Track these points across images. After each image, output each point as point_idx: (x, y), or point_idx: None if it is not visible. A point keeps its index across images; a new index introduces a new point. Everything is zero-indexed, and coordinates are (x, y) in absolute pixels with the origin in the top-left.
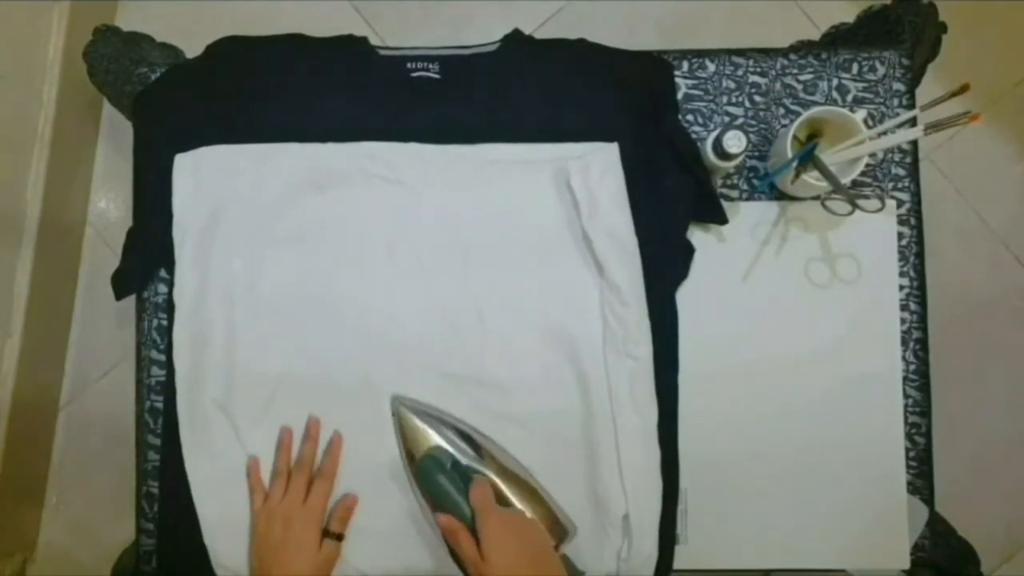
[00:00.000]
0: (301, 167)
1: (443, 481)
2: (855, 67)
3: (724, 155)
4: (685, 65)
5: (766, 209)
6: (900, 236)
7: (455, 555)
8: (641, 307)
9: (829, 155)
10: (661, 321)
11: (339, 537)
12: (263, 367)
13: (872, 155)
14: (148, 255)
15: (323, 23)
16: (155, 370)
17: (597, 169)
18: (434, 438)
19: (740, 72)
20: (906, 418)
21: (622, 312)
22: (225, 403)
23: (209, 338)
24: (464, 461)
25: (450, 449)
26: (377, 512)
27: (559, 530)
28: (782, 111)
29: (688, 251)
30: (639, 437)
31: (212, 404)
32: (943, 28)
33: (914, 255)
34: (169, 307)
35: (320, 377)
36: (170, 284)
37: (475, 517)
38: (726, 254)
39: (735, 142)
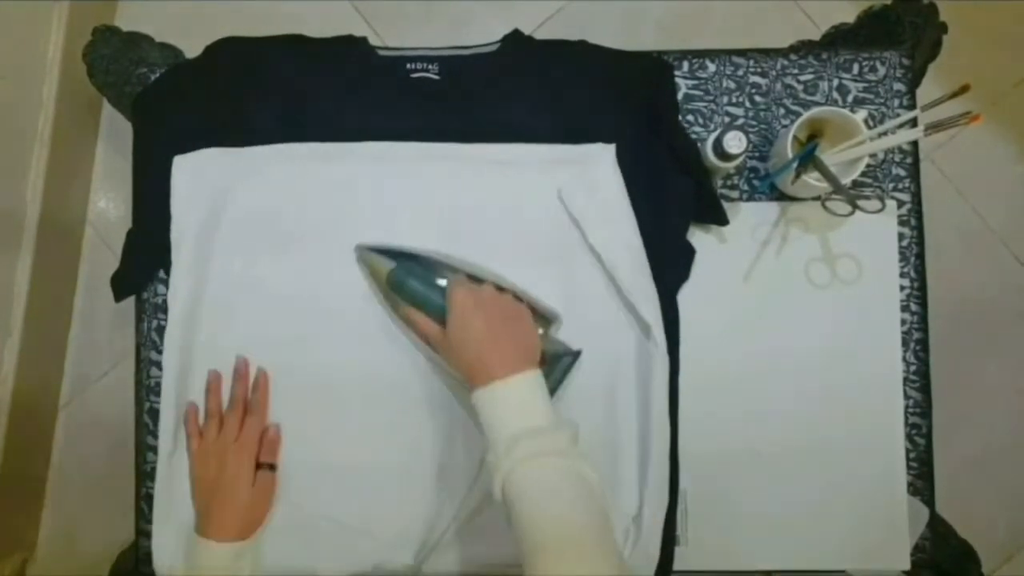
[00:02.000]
0: (300, 168)
1: (416, 284)
2: (856, 67)
3: (724, 156)
4: (685, 65)
5: (766, 210)
6: (901, 237)
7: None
8: (655, 308)
9: (829, 155)
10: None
11: (272, 467)
12: (259, 366)
13: (872, 156)
14: (147, 257)
15: (323, 23)
16: (154, 371)
17: (591, 179)
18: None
19: (740, 72)
20: (906, 419)
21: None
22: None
23: (200, 341)
24: (435, 273)
25: (418, 265)
26: (383, 512)
27: (541, 319)
28: (782, 111)
29: (689, 252)
30: (662, 436)
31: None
32: (944, 28)
33: (915, 256)
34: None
35: (317, 376)
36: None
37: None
38: (727, 255)
39: (735, 143)
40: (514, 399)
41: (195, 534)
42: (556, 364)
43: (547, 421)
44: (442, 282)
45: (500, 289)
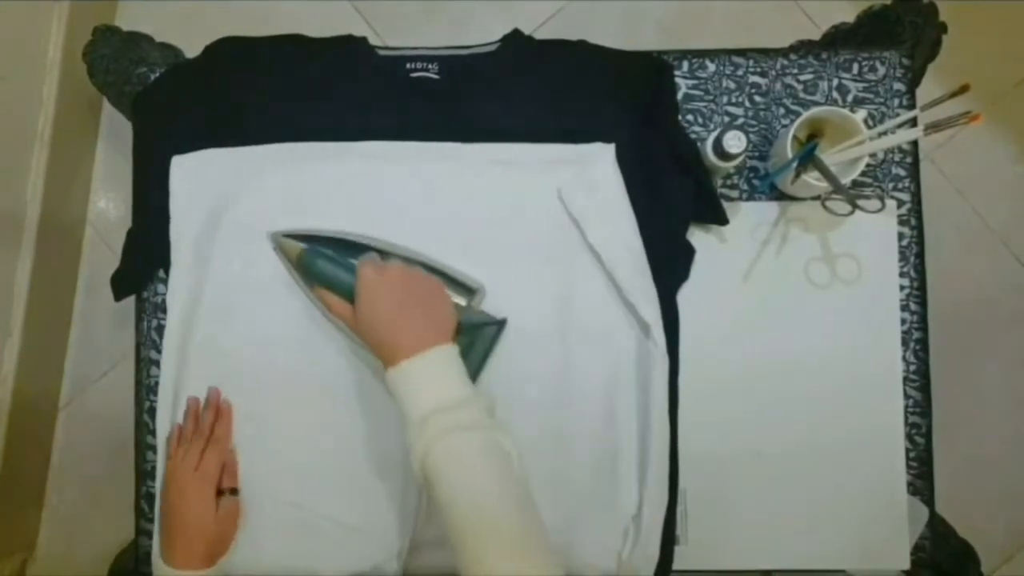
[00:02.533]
0: (299, 167)
1: (326, 265)
2: (855, 67)
3: (724, 155)
4: (685, 65)
5: (766, 209)
6: (900, 236)
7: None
8: (654, 308)
9: (829, 155)
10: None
11: (234, 491)
12: (255, 368)
13: (872, 155)
14: (147, 256)
15: (323, 23)
16: (154, 371)
17: (591, 179)
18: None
19: (740, 72)
20: (906, 418)
21: (636, 315)
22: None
23: (200, 341)
24: (348, 254)
25: (329, 246)
26: (383, 513)
27: (463, 290)
28: (782, 111)
29: (688, 252)
30: (662, 437)
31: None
32: (943, 28)
33: (914, 255)
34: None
35: (317, 377)
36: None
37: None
38: (726, 255)
39: (735, 142)
40: (424, 375)
41: (159, 559)
42: (478, 334)
43: (460, 394)
44: (354, 261)
45: (410, 263)
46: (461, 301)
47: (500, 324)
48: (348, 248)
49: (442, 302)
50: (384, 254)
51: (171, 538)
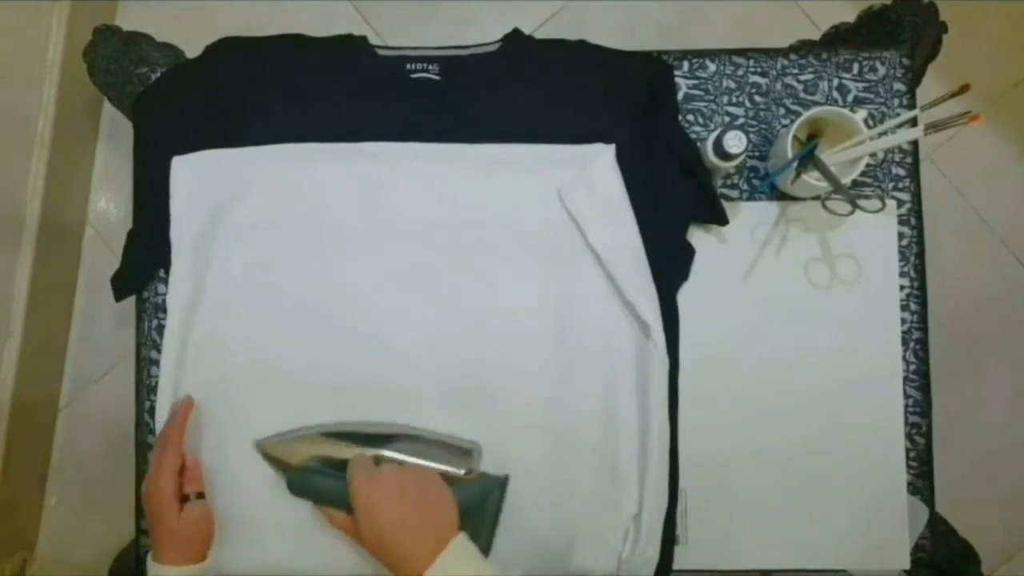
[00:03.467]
0: (299, 168)
1: (318, 482)
2: (855, 67)
3: (724, 155)
4: (685, 65)
5: (766, 209)
6: (900, 236)
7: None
8: (654, 308)
9: (829, 155)
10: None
11: (200, 495)
12: (255, 369)
13: (872, 155)
14: (148, 256)
15: (323, 23)
16: (154, 370)
17: (591, 180)
18: (298, 453)
19: (740, 72)
20: (906, 418)
21: (637, 316)
22: (211, 408)
23: (199, 341)
24: (337, 455)
25: (317, 452)
26: None
27: (461, 457)
28: (782, 111)
29: (688, 252)
30: (662, 437)
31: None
32: (943, 28)
33: (914, 255)
34: None
35: (317, 377)
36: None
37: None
38: (726, 255)
39: (735, 142)
40: None
41: (149, 557)
42: (484, 505)
43: (493, 574)
44: (348, 454)
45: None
46: (460, 469)
47: (502, 484)
48: (334, 447)
49: (441, 496)
50: (369, 438)
51: (152, 537)
